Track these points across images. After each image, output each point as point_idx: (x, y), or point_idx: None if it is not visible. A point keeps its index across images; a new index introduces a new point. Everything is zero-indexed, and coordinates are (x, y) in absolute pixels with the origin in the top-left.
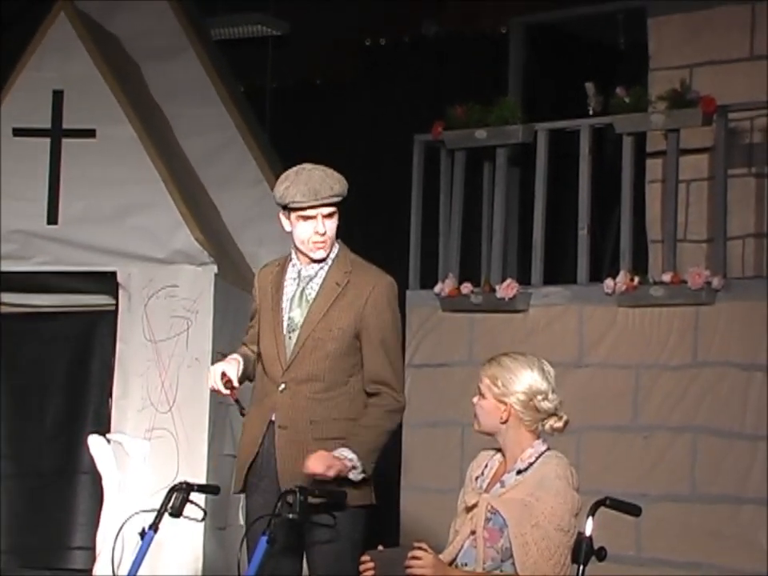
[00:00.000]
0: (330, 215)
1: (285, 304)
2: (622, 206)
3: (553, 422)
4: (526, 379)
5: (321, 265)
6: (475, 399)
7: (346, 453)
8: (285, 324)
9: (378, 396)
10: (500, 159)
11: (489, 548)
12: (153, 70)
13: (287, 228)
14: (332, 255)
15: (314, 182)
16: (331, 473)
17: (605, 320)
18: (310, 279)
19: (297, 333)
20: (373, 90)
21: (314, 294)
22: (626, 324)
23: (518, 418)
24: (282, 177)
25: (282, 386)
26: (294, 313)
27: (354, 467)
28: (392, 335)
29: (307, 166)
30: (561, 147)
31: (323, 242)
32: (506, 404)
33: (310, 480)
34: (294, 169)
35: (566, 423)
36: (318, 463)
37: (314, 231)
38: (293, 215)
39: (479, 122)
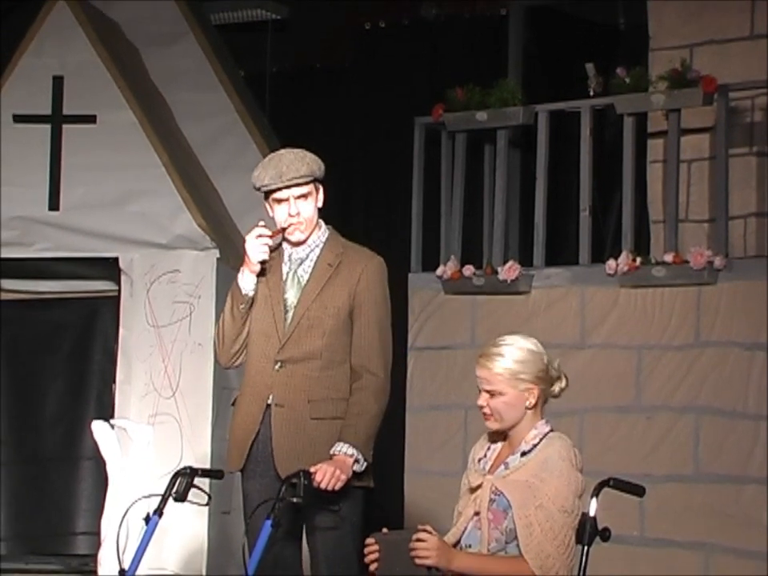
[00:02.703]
0: (303, 196)
1: (281, 285)
2: (624, 187)
3: (559, 385)
4: (535, 357)
5: (311, 247)
6: (483, 401)
7: (345, 449)
8: (282, 304)
9: (361, 378)
10: (501, 141)
11: (493, 529)
12: (153, 56)
13: (270, 213)
14: (322, 239)
15: (282, 165)
16: (340, 485)
17: (607, 301)
18: (301, 262)
19: (291, 313)
20: (372, 74)
21: (306, 276)
22: (628, 305)
23: (540, 397)
24: (259, 163)
25: (278, 364)
26: (287, 294)
27: (356, 460)
28: (385, 313)
29: (283, 150)
30: (561, 128)
31: (298, 223)
32: (530, 389)
33: (309, 462)
34: (271, 155)
35: (568, 379)
36: (326, 479)
37: (288, 213)
38: (269, 199)
39: (479, 104)
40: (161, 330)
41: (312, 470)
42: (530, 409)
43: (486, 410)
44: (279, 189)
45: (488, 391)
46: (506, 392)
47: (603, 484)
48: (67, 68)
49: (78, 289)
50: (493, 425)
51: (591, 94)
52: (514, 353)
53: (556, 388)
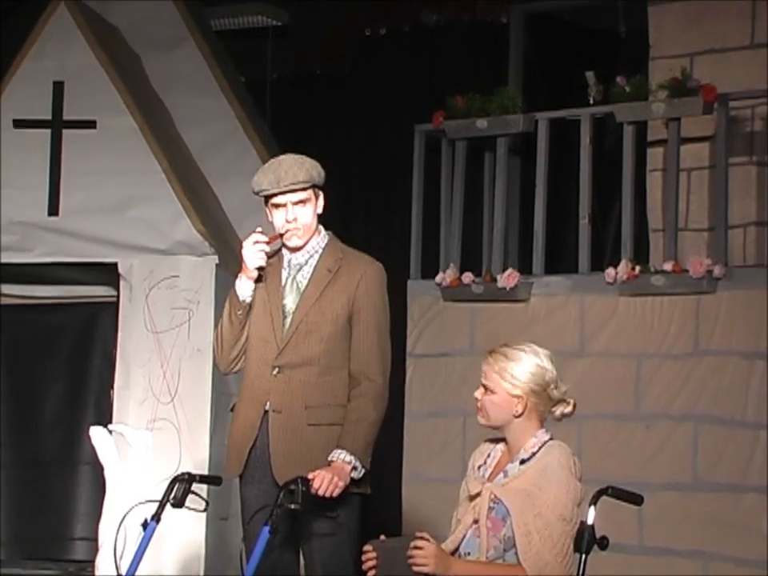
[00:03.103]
0: (301, 202)
1: (280, 290)
2: (623, 195)
3: (562, 408)
4: (538, 370)
5: (311, 253)
6: (478, 394)
7: (343, 456)
8: (280, 309)
9: (359, 384)
10: (501, 149)
11: (491, 537)
12: (153, 61)
13: (270, 218)
14: (321, 244)
15: (280, 170)
16: (338, 491)
17: (606, 309)
18: (300, 267)
19: (289, 318)
20: (373, 80)
21: (305, 282)
22: (628, 313)
23: (532, 409)
24: (259, 168)
25: (276, 370)
26: (286, 300)
27: (354, 467)
28: (384, 319)
29: (283, 156)
30: (561, 136)
31: (295, 228)
32: (519, 397)
33: (306, 468)
34: (272, 160)
35: (575, 406)
36: (324, 486)
37: (285, 219)
38: (268, 204)
39: (480, 112)
40: (159, 335)
41: (310, 476)
42: (517, 417)
43: (478, 404)
44: (277, 194)
45: (484, 385)
46: (497, 391)
47: (601, 492)
48: (68, 73)
49: (77, 294)
50: (480, 419)
51: (591, 102)
52: (518, 358)
53: (557, 411)
